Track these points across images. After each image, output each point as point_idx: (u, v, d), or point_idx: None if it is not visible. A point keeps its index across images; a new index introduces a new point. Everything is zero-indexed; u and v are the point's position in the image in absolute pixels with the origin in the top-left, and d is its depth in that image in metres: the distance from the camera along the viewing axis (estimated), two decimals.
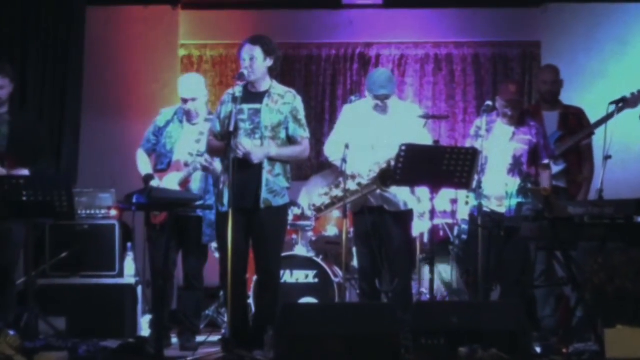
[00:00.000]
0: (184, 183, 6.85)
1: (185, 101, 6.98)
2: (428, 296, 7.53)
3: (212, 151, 6.57)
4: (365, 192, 6.68)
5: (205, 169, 6.74)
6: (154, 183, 6.83)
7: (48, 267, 7.48)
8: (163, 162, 7.00)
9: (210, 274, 7.19)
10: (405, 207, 6.80)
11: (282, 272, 7.11)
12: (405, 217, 6.83)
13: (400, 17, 9.38)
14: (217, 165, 6.65)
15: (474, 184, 6.51)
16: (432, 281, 6.53)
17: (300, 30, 9.41)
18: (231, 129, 6.15)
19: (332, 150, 6.89)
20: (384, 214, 6.75)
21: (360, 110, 6.90)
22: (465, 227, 7.15)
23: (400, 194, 6.76)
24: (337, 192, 6.75)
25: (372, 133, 6.76)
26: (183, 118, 7.05)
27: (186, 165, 6.86)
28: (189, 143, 6.94)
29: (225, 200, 6.25)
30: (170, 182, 6.86)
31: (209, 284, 7.35)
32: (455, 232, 7.62)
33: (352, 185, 6.65)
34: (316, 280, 7.61)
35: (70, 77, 8.79)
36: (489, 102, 6.92)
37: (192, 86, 7.02)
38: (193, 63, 9.48)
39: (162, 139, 7.02)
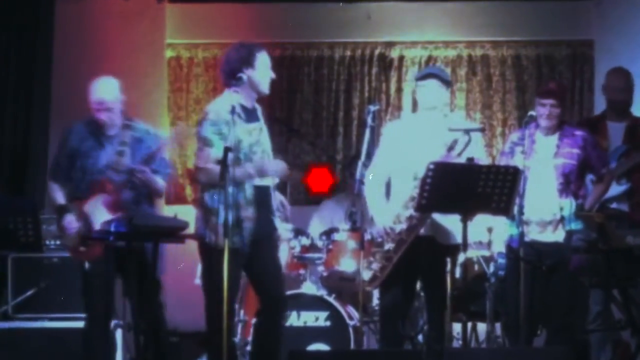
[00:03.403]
0: (114, 206, 6.75)
1: (98, 111, 6.91)
2: (460, 342, 7.59)
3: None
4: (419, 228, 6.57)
5: (133, 187, 6.73)
6: (70, 215, 6.74)
7: (11, 307, 7.52)
8: (80, 186, 6.85)
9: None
10: (454, 240, 6.57)
11: (287, 313, 7.15)
12: (452, 251, 6.59)
13: (428, 12, 9.45)
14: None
15: (515, 209, 6.52)
16: (465, 325, 6.54)
17: (309, 27, 9.48)
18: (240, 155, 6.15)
19: (372, 186, 6.69)
20: (429, 246, 6.59)
21: (404, 127, 6.77)
22: (502, 261, 7.11)
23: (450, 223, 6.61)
24: (389, 246, 6.56)
25: (414, 162, 6.51)
26: (98, 131, 6.94)
27: (111, 183, 6.84)
28: (110, 158, 6.86)
29: (246, 232, 6.17)
30: (96, 207, 6.78)
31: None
32: (491, 268, 7.59)
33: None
34: (328, 323, 7.65)
35: (36, 80, 8.86)
36: (533, 113, 6.94)
37: (107, 94, 6.95)
38: (182, 66, 9.54)
39: (78, 160, 6.89)
